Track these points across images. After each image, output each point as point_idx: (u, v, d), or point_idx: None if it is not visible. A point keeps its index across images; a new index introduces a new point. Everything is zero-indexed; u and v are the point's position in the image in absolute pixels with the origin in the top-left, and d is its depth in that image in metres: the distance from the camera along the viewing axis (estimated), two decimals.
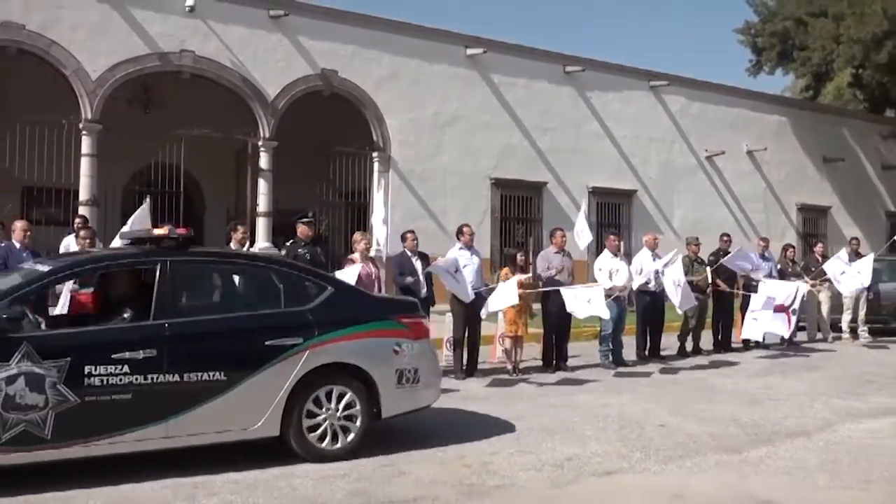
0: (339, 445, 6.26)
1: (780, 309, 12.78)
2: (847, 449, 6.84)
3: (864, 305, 15.13)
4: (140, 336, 5.80)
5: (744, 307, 13.68)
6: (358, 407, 6.35)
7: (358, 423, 6.35)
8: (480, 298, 10.62)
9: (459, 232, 11.04)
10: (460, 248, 10.73)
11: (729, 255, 13.26)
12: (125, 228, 9.76)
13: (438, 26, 19.72)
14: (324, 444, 6.22)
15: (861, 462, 6.42)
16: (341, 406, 6.30)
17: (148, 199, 11.06)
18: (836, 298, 15.07)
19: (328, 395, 6.27)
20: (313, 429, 6.19)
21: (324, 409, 6.24)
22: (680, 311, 12.53)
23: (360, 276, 9.82)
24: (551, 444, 6.86)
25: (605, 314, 10.67)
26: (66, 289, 8.57)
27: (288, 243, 10.10)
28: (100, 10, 15.72)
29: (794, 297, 12.85)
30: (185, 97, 17.08)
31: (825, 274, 14.52)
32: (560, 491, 5.62)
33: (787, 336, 13.44)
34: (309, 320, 6.33)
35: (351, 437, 6.32)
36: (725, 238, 14.51)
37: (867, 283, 13.74)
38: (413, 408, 6.78)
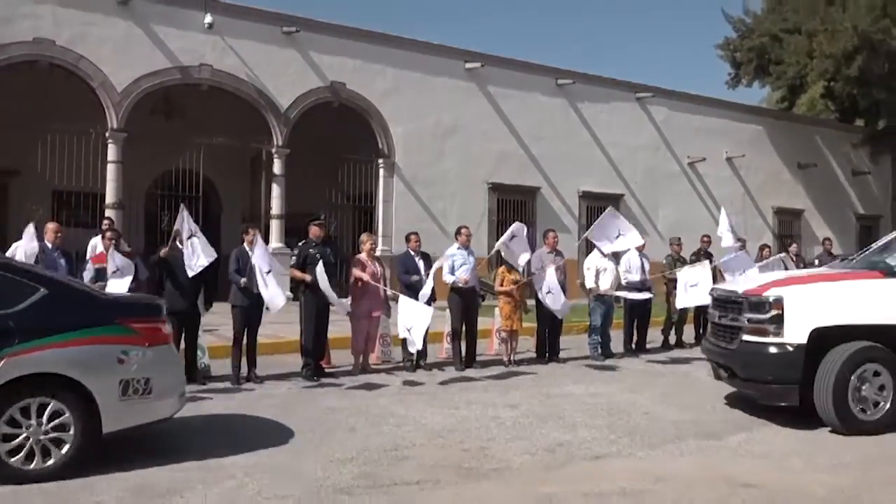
0: (49, 463, 5.31)
1: None
2: (818, 436, 6.84)
3: None
4: None
5: None
6: (70, 421, 5.38)
7: (71, 438, 5.39)
8: (476, 295, 10.66)
9: (458, 233, 11.03)
10: (458, 248, 10.70)
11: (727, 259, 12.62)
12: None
13: (439, 42, 19.72)
14: (31, 465, 5.26)
15: (832, 448, 6.42)
16: (45, 420, 5.32)
17: None
18: None
19: (29, 410, 5.29)
20: (15, 451, 5.21)
21: (24, 427, 5.26)
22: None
23: (364, 274, 9.85)
24: (544, 431, 6.86)
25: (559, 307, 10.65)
26: None
27: (300, 243, 10.07)
28: (124, 27, 15.72)
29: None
30: (204, 108, 17.08)
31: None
32: (552, 474, 5.61)
33: None
34: (9, 327, 5.29)
35: (63, 453, 5.36)
36: (705, 239, 14.48)
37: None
38: (144, 421, 5.76)
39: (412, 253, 10.45)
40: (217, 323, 10.90)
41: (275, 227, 17.35)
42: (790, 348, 6.90)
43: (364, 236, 10.62)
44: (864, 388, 6.79)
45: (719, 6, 43.68)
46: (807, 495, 5.17)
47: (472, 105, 19.86)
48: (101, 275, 8.64)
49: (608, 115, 22.10)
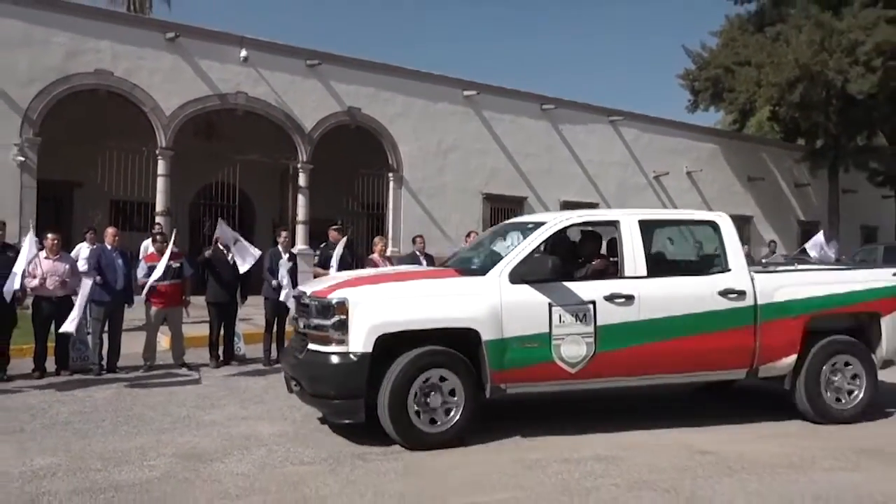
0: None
1: None
2: (767, 409, 6.83)
3: None
4: None
5: None
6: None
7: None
8: None
9: (468, 235, 11.21)
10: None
11: None
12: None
13: (441, 72, 19.71)
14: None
15: (778, 419, 6.41)
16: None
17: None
18: None
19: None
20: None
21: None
22: None
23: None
24: (529, 406, 6.83)
25: None
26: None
27: (322, 245, 10.07)
28: (172, 60, 15.72)
29: None
30: (240, 129, 17.07)
31: None
32: (537, 443, 5.60)
33: None
34: None
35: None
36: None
37: None
38: None
39: (417, 253, 10.47)
40: (251, 313, 10.91)
41: (300, 231, 17.34)
42: (354, 358, 5.31)
43: (377, 239, 10.62)
44: (430, 397, 5.41)
45: (680, 42, 43.76)
46: (755, 460, 5.19)
47: (468, 127, 19.84)
48: (151, 271, 8.65)
49: (585, 135, 22.07)
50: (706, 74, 25.33)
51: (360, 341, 5.33)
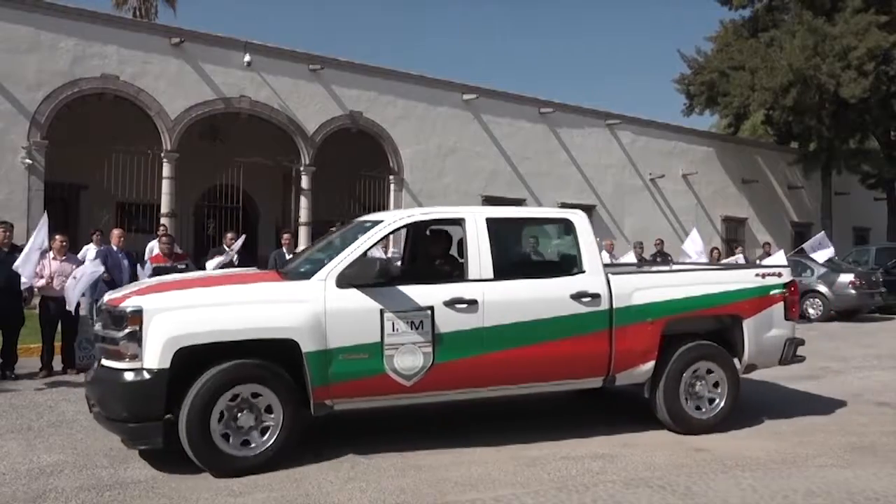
0: None
1: None
2: (760, 407, 6.83)
3: None
4: None
5: None
6: None
7: None
8: None
9: None
10: None
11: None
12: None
13: (441, 77, 19.73)
14: None
15: (772, 417, 6.41)
16: None
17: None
18: None
19: None
20: None
21: None
22: None
23: None
24: (528, 405, 6.82)
25: None
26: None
27: None
28: (177, 65, 15.74)
29: None
30: (244, 133, 17.08)
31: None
32: (536, 440, 5.60)
33: None
34: None
35: None
36: (658, 241, 14.76)
37: None
38: None
39: None
40: None
41: (303, 232, 17.35)
42: (148, 375, 4.56)
43: None
44: (240, 417, 4.73)
45: (676, 47, 43.84)
46: (749, 457, 5.18)
47: (468, 130, 19.85)
48: (158, 272, 8.65)
49: (582, 138, 22.09)
50: (701, 79, 25.37)
51: (155, 356, 4.56)
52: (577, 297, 5.46)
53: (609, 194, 22.57)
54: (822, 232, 15.54)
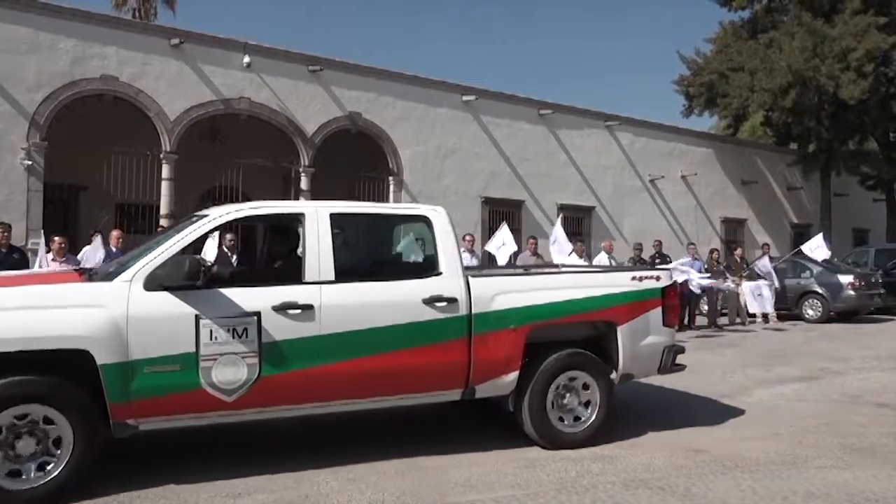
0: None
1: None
2: (760, 408, 6.85)
3: (772, 296, 15.15)
4: None
5: (680, 298, 13.67)
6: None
7: None
8: None
9: (462, 239, 11.06)
10: (464, 252, 10.72)
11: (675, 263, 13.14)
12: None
13: (440, 78, 19.74)
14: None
15: (771, 419, 6.43)
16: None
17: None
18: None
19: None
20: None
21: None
22: None
23: None
24: None
25: None
26: None
27: None
28: (177, 66, 15.73)
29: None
30: (243, 134, 17.07)
31: (744, 271, 14.61)
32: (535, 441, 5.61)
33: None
34: None
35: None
36: (656, 242, 14.75)
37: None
38: None
39: None
40: None
41: None
42: None
43: None
44: (19, 444, 4.14)
45: (675, 48, 43.90)
46: (748, 458, 5.19)
47: (467, 131, 19.86)
48: None
49: (582, 139, 22.10)
50: (700, 80, 25.40)
51: None
52: (431, 301, 4.99)
53: (608, 195, 22.58)
54: (821, 234, 15.60)
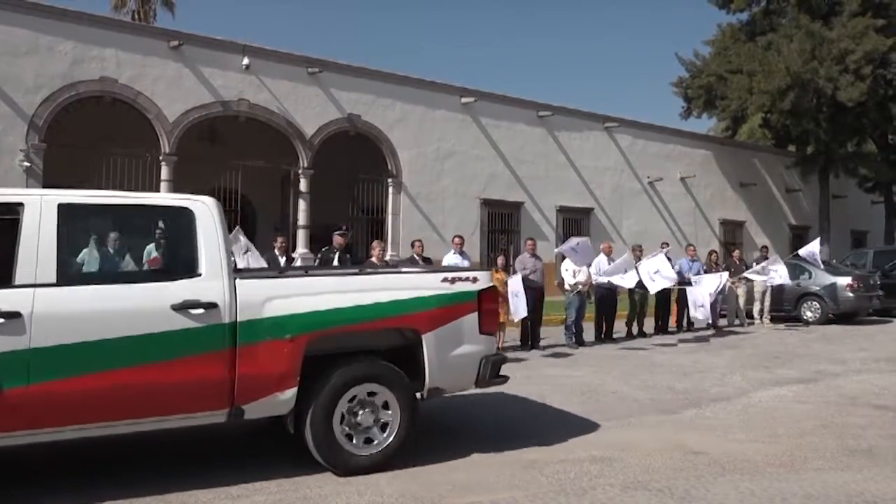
0: None
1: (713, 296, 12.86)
2: (758, 410, 6.84)
3: (768, 298, 15.18)
4: None
5: (680, 300, 13.71)
6: None
7: None
8: None
9: (452, 241, 11.05)
10: (454, 253, 10.70)
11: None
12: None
13: (439, 80, 19.75)
14: None
15: (769, 420, 6.42)
16: None
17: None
18: (751, 293, 15.13)
19: None
20: None
21: None
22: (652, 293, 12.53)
23: None
24: (526, 408, 6.85)
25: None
26: None
27: (323, 249, 10.08)
28: (175, 68, 15.74)
29: (720, 285, 13.00)
30: (242, 136, 17.08)
31: (742, 272, 14.64)
32: (533, 443, 5.61)
33: (711, 322, 13.50)
34: None
35: None
36: (664, 245, 14.61)
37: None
38: None
39: (416, 257, 10.45)
40: None
41: (301, 235, 17.35)
42: None
43: (374, 243, 10.60)
44: None
45: (673, 51, 43.92)
46: (747, 460, 5.18)
47: (466, 133, 19.87)
48: None
49: (581, 141, 22.11)
50: (699, 82, 25.45)
51: None
52: (184, 307, 4.31)
53: (607, 197, 22.60)
54: (818, 238, 15.64)
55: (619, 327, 12.90)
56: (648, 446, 5.54)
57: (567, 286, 11.58)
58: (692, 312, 12.98)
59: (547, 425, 6.16)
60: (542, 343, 11.39)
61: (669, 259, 12.83)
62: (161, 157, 15.58)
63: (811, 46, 22.38)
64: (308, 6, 73.61)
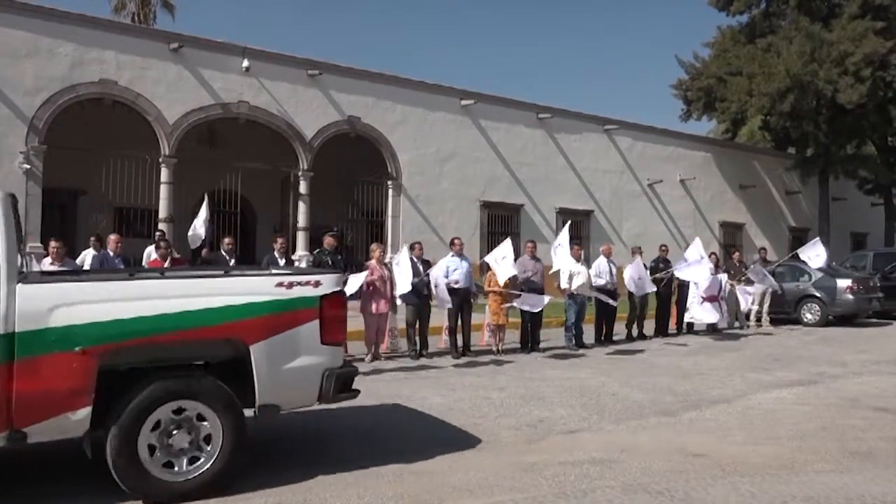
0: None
1: (711, 299, 12.81)
2: (758, 412, 6.83)
3: (768, 300, 15.17)
4: None
5: (679, 301, 13.70)
6: None
7: None
8: (470, 295, 10.64)
9: (451, 243, 11.03)
10: (452, 256, 10.68)
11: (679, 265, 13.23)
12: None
13: (439, 82, 19.77)
14: None
15: (769, 423, 6.41)
16: None
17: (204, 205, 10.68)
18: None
19: None
20: None
21: None
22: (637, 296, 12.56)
23: (374, 277, 9.82)
24: (527, 409, 6.85)
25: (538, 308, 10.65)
26: None
27: (315, 251, 10.08)
28: (175, 70, 15.75)
29: (721, 288, 12.99)
30: (242, 138, 17.10)
31: (742, 275, 14.63)
32: (534, 446, 5.61)
33: (723, 319, 13.43)
34: None
35: None
36: (663, 248, 14.60)
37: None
38: None
39: (415, 259, 10.44)
40: None
41: (301, 237, 17.36)
42: None
43: (374, 245, 10.61)
44: None
45: (673, 53, 43.94)
46: (747, 462, 5.18)
47: (466, 135, 19.88)
48: None
49: (581, 143, 22.13)
50: (699, 84, 25.47)
51: None
52: None
53: (607, 199, 22.60)
54: (818, 238, 15.62)
55: (619, 329, 12.89)
56: (649, 448, 5.54)
57: (565, 287, 11.56)
58: (691, 314, 13.03)
59: (546, 427, 6.14)
60: (542, 345, 11.38)
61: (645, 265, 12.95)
62: (161, 160, 15.58)
63: (811, 49, 22.40)
64: (308, 9, 73.71)
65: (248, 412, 4.59)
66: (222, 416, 4.37)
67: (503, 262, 10.31)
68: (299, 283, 4.63)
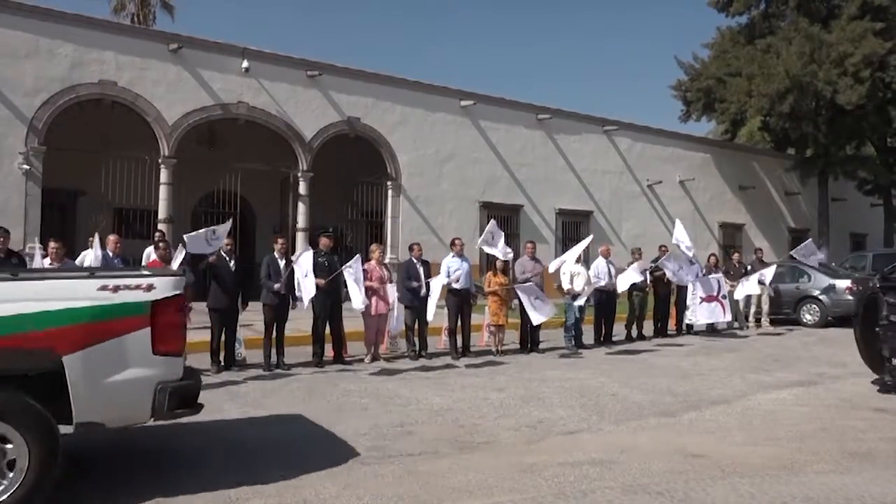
0: None
1: (712, 299, 12.83)
2: (758, 413, 6.83)
3: (766, 301, 15.18)
4: None
5: (678, 302, 13.70)
6: None
7: None
8: (469, 295, 10.63)
9: (452, 244, 11.03)
10: (453, 256, 10.68)
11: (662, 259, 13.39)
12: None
13: (438, 83, 19.77)
14: None
15: (769, 423, 6.41)
16: None
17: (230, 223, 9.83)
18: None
19: None
20: None
21: None
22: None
23: (373, 278, 9.80)
24: (526, 410, 6.84)
25: (544, 317, 10.56)
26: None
27: (312, 253, 10.05)
28: (175, 71, 15.75)
29: (720, 288, 13.00)
30: (241, 138, 17.10)
31: (742, 276, 14.64)
32: (533, 446, 5.61)
33: (727, 318, 13.43)
34: None
35: None
36: (663, 248, 14.60)
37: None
38: None
39: (414, 260, 10.43)
40: (251, 319, 10.88)
41: (300, 238, 17.34)
42: None
43: (373, 246, 10.60)
44: None
45: (673, 54, 43.95)
46: (747, 463, 5.17)
47: (466, 136, 19.88)
48: None
49: (580, 144, 22.13)
50: (698, 85, 25.48)
51: None
52: None
53: (606, 200, 22.61)
54: (810, 239, 15.63)
55: (619, 330, 12.88)
56: (648, 449, 5.53)
57: (566, 288, 11.56)
58: (687, 316, 13.10)
59: (546, 428, 6.14)
60: (541, 346, 11.37)
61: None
62: (160, 160, 15.58)
63: (810, 49, 22.41)
64: (308, 9, 73.74)
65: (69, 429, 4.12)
66: (27, 435, 3.83)
67: (496, 241, 10.45)
68: (127, 287, 4.12)
